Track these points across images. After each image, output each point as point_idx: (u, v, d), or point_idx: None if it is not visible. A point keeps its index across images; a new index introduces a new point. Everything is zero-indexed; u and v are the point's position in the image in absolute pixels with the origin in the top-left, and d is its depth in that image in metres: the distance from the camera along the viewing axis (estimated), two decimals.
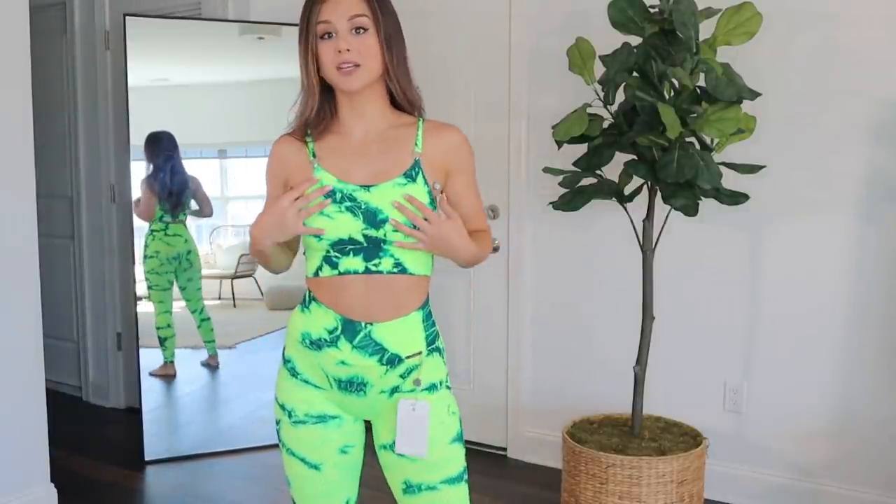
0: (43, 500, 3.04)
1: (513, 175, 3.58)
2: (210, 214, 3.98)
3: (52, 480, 3.08)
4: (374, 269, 1.63)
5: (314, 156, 1.67)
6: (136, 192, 3.83)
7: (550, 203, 2.78)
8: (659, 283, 2.83)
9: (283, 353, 1.74)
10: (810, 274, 3.04)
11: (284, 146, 1.71)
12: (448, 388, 1.73)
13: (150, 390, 3.83)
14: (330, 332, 1.64)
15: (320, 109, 1.68)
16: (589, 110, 2.62)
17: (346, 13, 1.59)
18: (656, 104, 2.45)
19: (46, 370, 3.07)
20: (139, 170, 3.84)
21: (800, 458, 3.09)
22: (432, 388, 1.69)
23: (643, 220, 2.72)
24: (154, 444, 3.73)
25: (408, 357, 1.66)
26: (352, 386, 1.66)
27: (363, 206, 1.61)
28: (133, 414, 4.16)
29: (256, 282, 4.24)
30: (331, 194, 1.61)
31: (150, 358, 3.85)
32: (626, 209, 2.77)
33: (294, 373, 1.71)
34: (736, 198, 2.64)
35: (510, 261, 3.62)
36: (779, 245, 3.09)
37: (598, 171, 2.73)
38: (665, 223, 2.76)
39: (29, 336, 2.99)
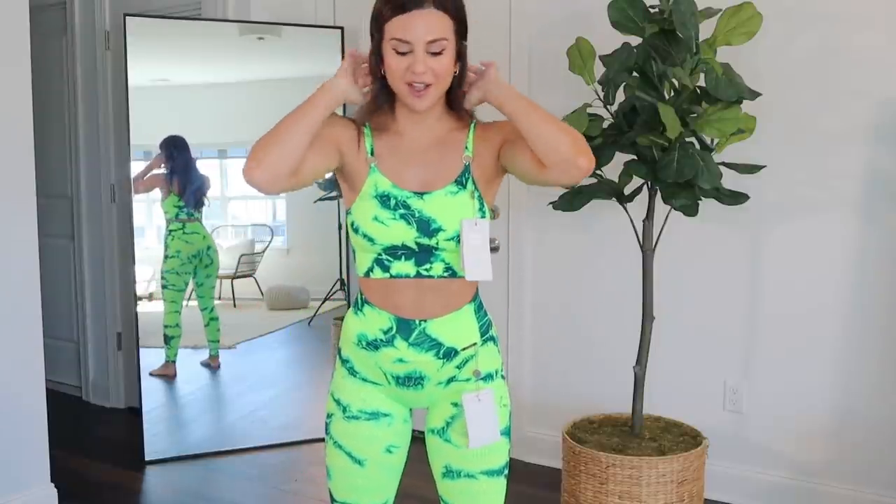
0: (43, 500, 3.04)
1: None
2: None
3: (52, 480, 3.08)
4: (425, 273, 1.64)
5: (372, 153, 1.65)
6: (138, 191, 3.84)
7: (550, 203, 2.78)
8: (659, 283, 2.83)
9: (340, 354, 1.75)
10: (810, 274, 3.04)
11: (349, 125, 1.67)
12: (503, 377, 1.75)
13: (151, 390, 3.83)
14: (385, 333, 1.65)
15: (381, 107, 1.65)
16: (589, 110, 2.62)
17: (426, 36, 1.53)
18: (656, 104, 2.45)
19: (46, 370, 3.07)
20: (139, 170, 3.84)
21: (800, 458, 3.09)
22: (488, 377, 1.71)
23: (643, 220, 2.72)
24: (154, 444, 3.73)
25: (463, 349, 1.67)
26: (409, 381, 1.68)
27: (417, 215, 1.61)
28: (133, 414, 4.17)
29: (256, 282, 4.24)
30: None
31: (150, 358, 3.85)
32: (626, 209, 2.77)
33: (353, 372, 1.72)
34: (736, 198, 2.64)
35: (510, 261, 3.62)
36: (779, 245, 3.09)
37: (598, 171, 2.73)
38: (665, 223, 2.76)
39: (29, 336, 2.99)
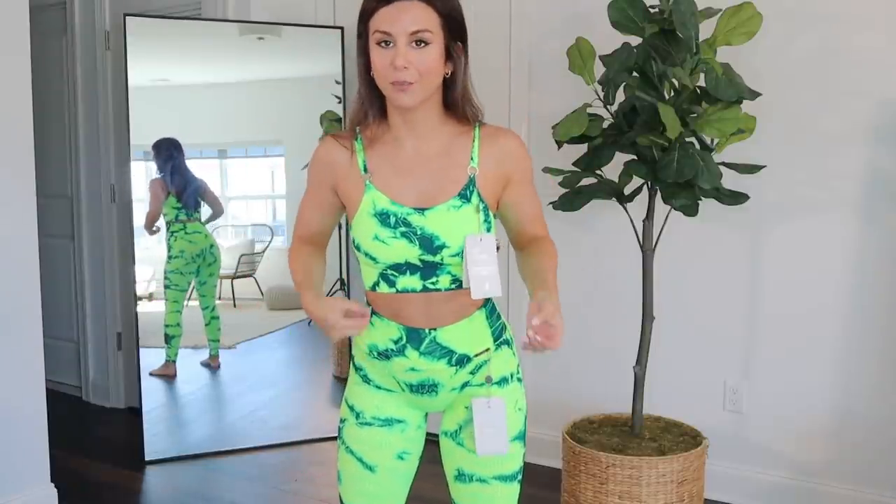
0: (43, 500, 3.04)
1: None
2: (221, 213, 4.01)
3: (52, 480, 3.08)
4: (431, 287, 1.59)
5: (366, 170, 1.59)
6: (138, 192, 3.84)
7: (550, 203, 2.77)
8: (659, 283, 2.83)
9: (353, 361, 1.73)
10: (810, 274, 3.04)
11: (333, 151, 1.63)
12: (519, 380, 1.71)
13: (151, 390, 3.83)
14: (396, 342, 1.62)
15: (371, 114, 1.60)
16: (589, 110, 2.62)
17: (408, 27, 1.47)
18: (656, 104, 2.45)
19: (46, 370, 3.07)
20: (139, 170, 3.85)
21: (800, 458, 3.09)
22: (503, 381, 1.68)
23: (643, 220, 2.72)
24: (154, 444, 3.73)
25: (476, 355, 1.64)
26: (423, 388, 1.65)
27: (419, 232, 1.55)
28: (133, 414, 4.17)
29: (256, 282, 4.24)
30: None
31: (150, 358, 3.85)
32: (626, 209, 2.77)
33: (366, 379, 1.70)
34: (736, 198, 2.64)
35: (510, 260, 3.61)
36: (779, 245, 3.09)
37: (598, 171, 2.73)
38: (665, 223, 2.76)
39: (29, 336, 2.99)
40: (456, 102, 1.59)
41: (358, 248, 1.60)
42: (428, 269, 1.58)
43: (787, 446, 3.12)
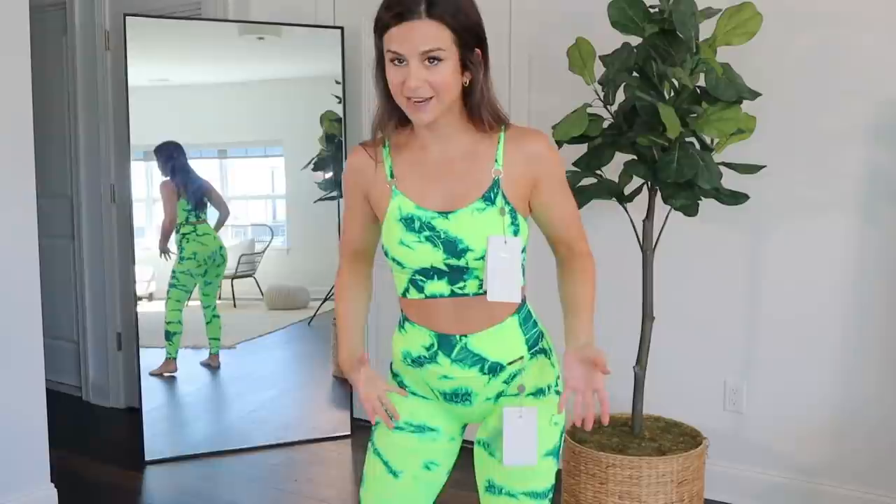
0: (43, 500, 3.04)
1: None
2: (227, 215, 4.02)
3: (52, 480, 3.08)
4: (459, 291, 1.58)
5: (392, 175, 1.60)
6: (138, 192, 3.84)
7: None
8: (659, 283, 2.83)
9: (391, 368, 1.74)
10: (810, 274, 3.04)
11: (361, 160, 1.64)
12: (557, 393, 1.68)
13: (151, 390, 3.83)
14: (427, 349, 1.62)
15: (395, 123, 1.59)
16: (589, 110, 2.62)
17: (419, 47, 1.45)
18: (656, 104, 2.44)
19: (46, 370, 3.07)
20: (139, 170, 3.85)
21: (800, 458, 3.09)
22: (539, 393, 1.66)
23: (643, 220, 2.72)
24: (154, 444, 3.73)
25: (509, 363, 1.63)
26: (457, 397, 1.64)
27: (442, 236, 1.55)
28: (133, 414, 4.17)
29: (256, 282, 4.24)
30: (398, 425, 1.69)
31: (150, 358, 3.85)
32: (626, 209, 2.77)
33: (402, 386, 1.70)
34: (736, 198, 2.64)
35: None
36: (779, 245, 3.09)
37: (598, 171, 2.73)
38: (665, 223, 2.76)
39: (29, 336, 2.99)
40: (475, 108, 1.56)
41: (387, 254, 1.60)
42: (455, 274, 1.58)
43: (787, 446, 3.12)
